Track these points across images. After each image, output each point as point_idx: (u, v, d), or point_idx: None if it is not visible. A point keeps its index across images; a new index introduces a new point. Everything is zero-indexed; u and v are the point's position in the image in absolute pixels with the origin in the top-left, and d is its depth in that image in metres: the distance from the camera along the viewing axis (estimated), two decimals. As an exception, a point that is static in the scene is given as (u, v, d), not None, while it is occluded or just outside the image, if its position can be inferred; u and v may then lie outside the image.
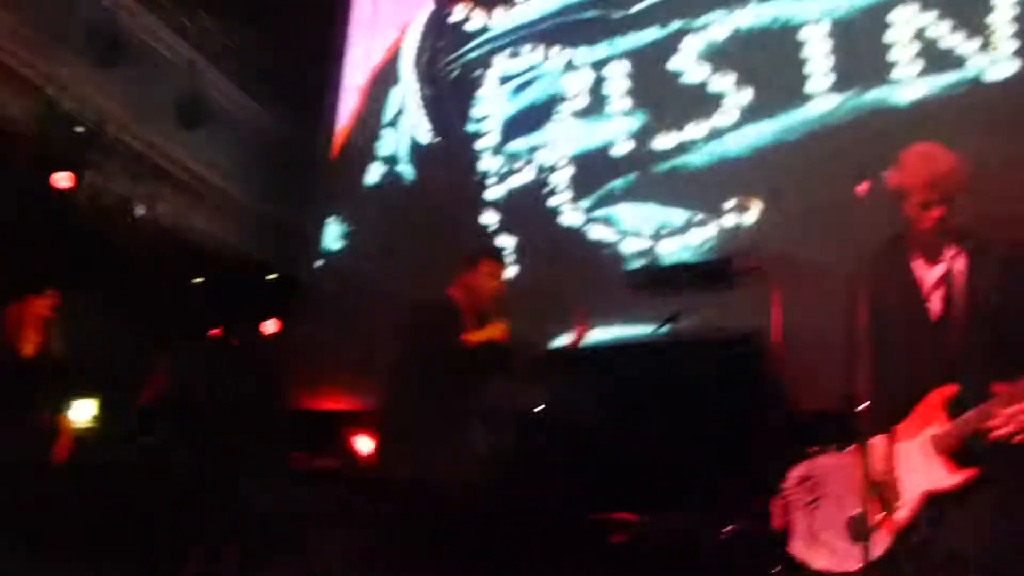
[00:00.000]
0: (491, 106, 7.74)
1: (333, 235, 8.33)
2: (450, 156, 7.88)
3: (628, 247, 6.86)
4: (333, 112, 8.64)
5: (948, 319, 2.88)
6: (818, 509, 3.43)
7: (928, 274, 2.97)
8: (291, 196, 8.71)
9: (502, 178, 7.51)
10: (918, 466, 2.80)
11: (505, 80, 7.74)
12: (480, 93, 7.85)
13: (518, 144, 7.53)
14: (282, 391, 7.73)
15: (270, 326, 8.16)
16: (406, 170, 8.13)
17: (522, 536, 4.37)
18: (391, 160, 8.20)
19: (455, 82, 8.09)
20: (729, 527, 4.55)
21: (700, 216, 6.65)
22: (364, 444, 6.56)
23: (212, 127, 8.10)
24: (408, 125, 8.19)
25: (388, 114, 8.35)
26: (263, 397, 7.51)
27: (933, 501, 2.79)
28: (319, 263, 8.32)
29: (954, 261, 2.93)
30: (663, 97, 6.98)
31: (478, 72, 7.91)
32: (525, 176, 7.41)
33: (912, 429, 2.86)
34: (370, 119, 8.43)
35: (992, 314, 2.83)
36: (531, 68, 7.64)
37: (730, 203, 6.56)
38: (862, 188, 2.94)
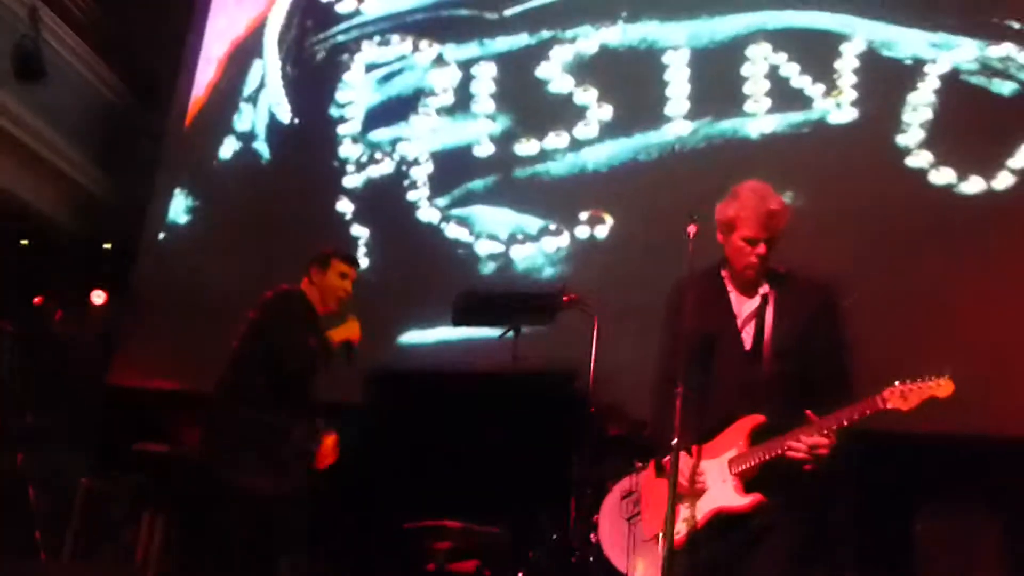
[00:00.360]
0: (356, 92, 7.51)
1: (179, 208, 7.87)
2: (309, 138, 7.60)
3: (483, 249, 6.83)
4: (189, 81, 8.15)
5: (757, 351, 2.98)
6: (639, 522, 3.49)
7: (743, 307, 3.07)
8: (137, 164, 8.17)
9: (361, 167, 7.31)
10: (714, 484, 2.91)
11: (372, 68, 7.53)
12: (346, 78, 7.61)
13: (380, 134, 7.34)
14: (104, 367, 7.24)
15: (98, 298, 7.62)
16: (262, 148, 7.77)
17: (339, 539, 4.27)
18: (247, 136, 7.81)
19: (320, 63, 7.81)
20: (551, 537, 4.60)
21: (554, 225, 6.69)
22: (189, 428, 6.23)
23: (54, 84, 7.46)
24: (267, 102, 7.83)
25: (247, 89, 7.96)
26: (82, 372, 7.04)
27: (720, 520, 2.89)
28: (161, 236, 7.84)
29: (766, 297, 3.04)
30: (528, 103, 6.98)
31: (345, 56, 7.65)
32: (385, 167, 7.24)
33: (717, 451, 2.96)
34: (228, 92, 8.02)
35: (794, 351, 2.96)
36: (399, 59, 7.47)
37: (584, 215, 6.64)
38: (692, 229, 3.02)
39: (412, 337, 6.69)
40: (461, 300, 3.30)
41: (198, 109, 8.09)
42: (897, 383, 2.80)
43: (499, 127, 7.00)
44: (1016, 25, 6.37)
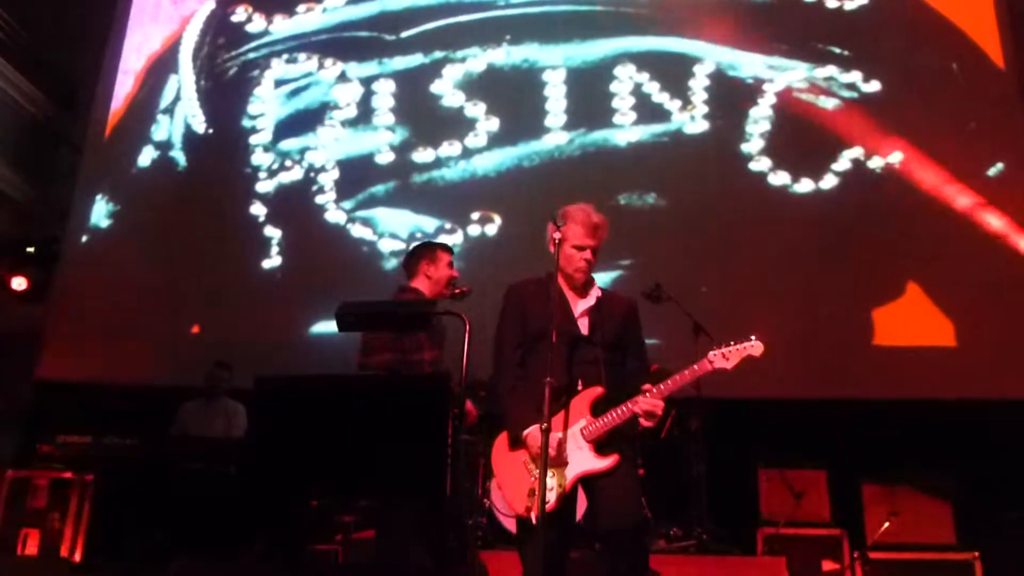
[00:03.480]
0: (266, 106, 7.38)
1: (101, 212, 7.58)
2: (223, 147, 7.43)
3: (385, 247, 6.84)
4: (107, 94, 7.84)
5: (593, 336, 3.17)
6: (499, 489, 3.56)
7: (578, 304, 3.25)
8: (59, 173, 7.82)
9: (272, 173, 7.20)
10: (573, 452, 3.03)
11: (280, 83, 7.42)
12: (257, 92, 7.46)
13: (290, 143, 7.25)
14: (30, 363, 6.94)
15: (19, 284, 7.27)
16: (179, 156, 7.55)
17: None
18: (164, 145, 7.58)
19: (233, 78, 7.64)
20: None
21: (449, 224, 6.76)
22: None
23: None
24: (183, 113, 7.62)
25: (164, 101, 7.72)
26: (8, 368, 6.73)
27: (583, 481, 3.04)
28: (84, 239, 7.54)
29: (599, 300, 3.25)
30: (424, 116, 7.01)
31: (255, 72, 7.51)
32: (295, 174, 7.15)
33: (569, 422, 3.08)
34: (145, 104, 7.75)
35: (615, 343, 3.19)
36: (306, 75, 7.38)
37: (476, 215, 6.73)
38: (552, 229, 3.15)
39: (323, 327, 6.65)
40: (341, 309, 3.30)
41: (117, 120, 7.79)
42: (719, 347, 2.99)
43: (398, 137, 7.01)
44: (837, 50, 6.77)
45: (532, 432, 3.02)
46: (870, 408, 5.74)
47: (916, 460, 5.35)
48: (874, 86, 6.65)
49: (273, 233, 7.02)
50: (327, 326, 6.60)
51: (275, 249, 6.97)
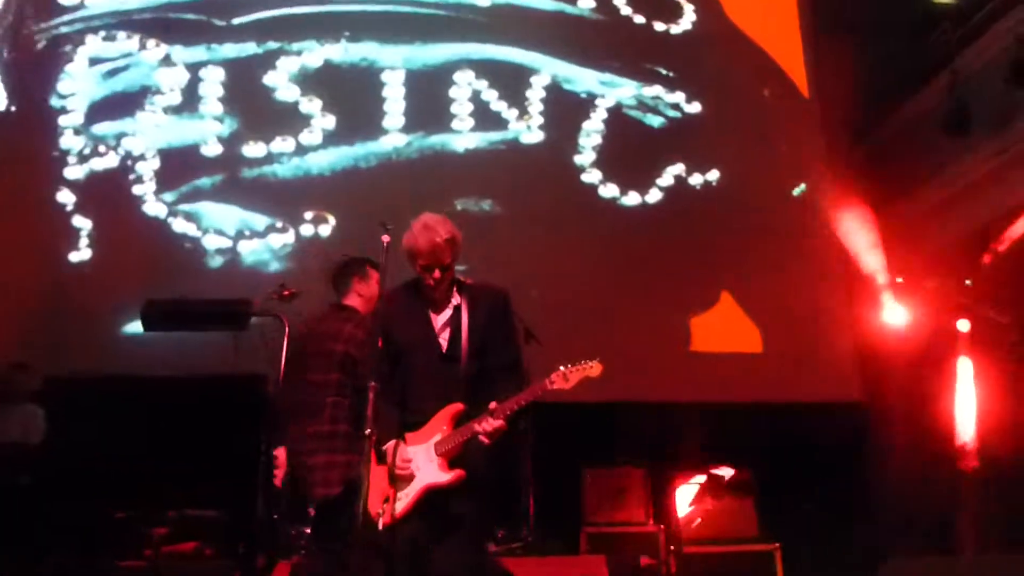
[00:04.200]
0: (78, 84, 6.77)
1: None
2: (27, 127, 6.74)
3: (210, 243, 6.47)
4: None
5: (453, 354, 3.16)
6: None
7: (438, 319, 3.24)
8: None
9: (84, 159, 6.60)
10: (423, 465, 3.06)
11: (96, 62, 6.82)
12: (68, 69, 6.82)
13: (104, 127, 6.67)
14: None
15: None
16: (-27, 135, 6.78)
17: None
18: (-45, 122, 6.78)
19: (41, 52, 6.94)
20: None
21: (281, 223, 6.50)
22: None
23: None
24: (-20, 88, 6.84)
25: (-45, 73, 6.90)
26: None
27: (429, 494, 3.05)
28: None
29: (458, 307, 3.23)
30: (255, 109, 6.69)
31: (68, 48, 6.86)
32: (109, 161, 6.59)
33: (424, 437, 3.09)
34: (-68, 75, 6.90)
35: (480, 349, 3.19)
36: (125, 55, 6.82)
37: (309, 214, 6.52)
38: (386, 238, 3.10)
39: (138, 327, 6.19)
40: (148, 306, 3.09)
41: None
42: (560, 367, 3.05)
43: (227, 129, 6.65)
44: (664, 71, 7.13)
45: (388, 447, 3.05)
46: (686, 410, 6.08)
47: (726, 459, 5.72)
48: (696, 107, 7.06)
49: (83, 223, 6.44)
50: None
51: (84, 241, 6.39)
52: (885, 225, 7.11)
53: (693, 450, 5.78)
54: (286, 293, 4.93)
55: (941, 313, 6.09)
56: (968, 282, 6.18)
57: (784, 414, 6.00)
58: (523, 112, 6.84)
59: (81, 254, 6.39)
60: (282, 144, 6.61)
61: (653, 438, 5.73)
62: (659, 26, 7.25)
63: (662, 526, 5.18)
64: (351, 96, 6.76)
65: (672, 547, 5.02)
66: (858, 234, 7.03)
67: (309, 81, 6.74)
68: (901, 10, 7.83)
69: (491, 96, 6.81)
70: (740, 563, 4.88)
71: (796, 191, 7.11)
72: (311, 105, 6.67)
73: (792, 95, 7.40)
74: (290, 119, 6.65)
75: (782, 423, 5.94)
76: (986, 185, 6.47)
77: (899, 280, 6.71)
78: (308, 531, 4.76)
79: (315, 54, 6.81)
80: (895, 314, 6.65)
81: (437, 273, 3.15)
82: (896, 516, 5.83)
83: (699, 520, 5.07)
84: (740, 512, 5.16)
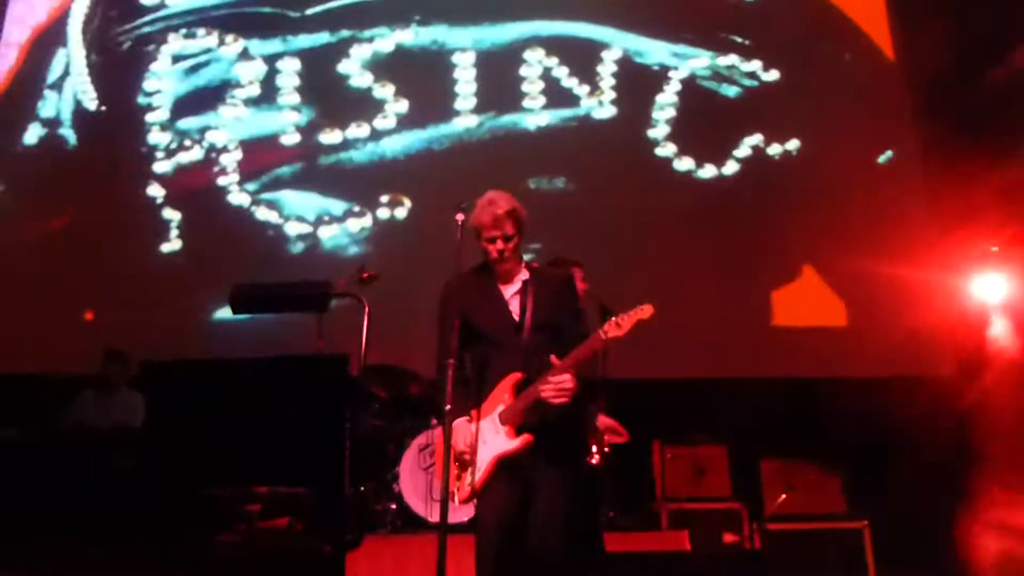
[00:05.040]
0: (162, 82, 7.07)
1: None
2: (117, 125, 7.08)
3: (292, 230, 6.68)
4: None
5: (522, 322, 3.21)
6: (433, 472, 3.58)
7: (507, 291, 3.30)
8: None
9: (171, 153, 6.90)
10: (490, 438, 3.11)
11: (178, 59, 7.11)
12: (153, 68, 7.13)
13: (189, 122, 6.96)
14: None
15: None
16: (68, 134, 7.16)
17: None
18: (52, 122, 7.16)
19: (126, 53, 7.28)
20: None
21: (358, 207, 6.65)
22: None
23: None
24: (73, 89, 7.21)
25: (52, 76, 7.29)
26: None
27: (503, 466, 3.08)
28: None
29: (526, 283, 3.28)
30: (330, 97, 6.86)
31: (151, 47, 7.17)
32: (194, 154, 6.88)
33: (491, 409, 3.16)
34: (30, 78, 7.30)
35: (546, 324, 3.22)
36: (205, 51, 7.09)
37: (385, 198, 6.65)
38: (460, 217, 3.16)
39: (227, 313, 6.45)
40: (236, 291, 3.23)
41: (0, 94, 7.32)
42: (612, 318, 3.01)
43: (304, 118, 6.84)
44: (739, 39, 6.96)
45: (456, 424, 3.09)
46: (768, 386, 5.97)
47: (810, 436, 5.61)
48: (773, 75, 6.87)
49: (172, 215, 6.75)
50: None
51: (174, 232, 6.70)
52: (979, 192, 6.78)
53: (777, 427, 5.67)
54: (365, 276, 5.07)
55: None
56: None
57: (871, 389, 5.82)
58: (595, 88, 6.80)
59: (172, 245, 6.69)
60: (357, 130, 6.76)
61: (735, 415, 5.65)
62: (733, -7, 7.08)
63: (745, 503, 5.12)
64: (423, 79, 6.85)
65: (755, 524, 4.97)
66: (949, 203, 6.73)
67: (381, 67, 6.86)
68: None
69: (562, 73, 6.79)
70: (827, 541, 4.79)
71: (882, 159, 6.85)
72: (384, 90, 6.79)
73: (875, 58, 7.11)
74: (364, 105, 6.79)
75: (869, 398, 5.77)
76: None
77: (994, 249, 6.40)
78: (393, 507, 4.94)
79: (387, 40, 6.92)
80: (991, 285, 6.35)
81: (500, 243, 3.19)
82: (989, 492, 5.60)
83: (784, 496, 5.00)
84: (827, 489, 5.05)
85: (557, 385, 3.01)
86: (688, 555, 4.41)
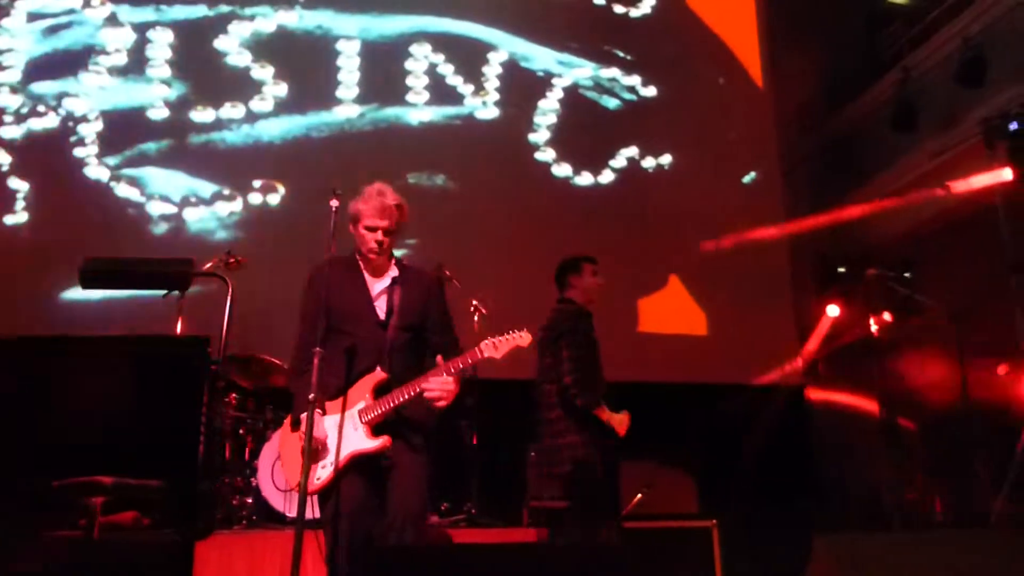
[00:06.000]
0: (16, 40, 6.54)
1: None
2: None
3: (155, 209, 6.35)
4: None
5: (387, 321, 3.18)
6: (281, 467, 3.50)
7: (375, 286, 3.26)
8: None
9: (21, 118, 6.40)
10: (348, 433, 3.06)
11: (35, 17, 6.60)
12: (4, 24, 6.59)
13: (44, 87, 6.48)
14: None
15: None
16: (-99, 90, 6.51)
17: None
18: None
19: (-26, 6, 6.70)
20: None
21: (228, 191, 6.41)
22: None
23: None
24: (-91, 40, 6.57)
25: None
26: None
27: (356, 463, 3.05)
28: None
29: (395, 279, 3.25)
30: (205, 73, 6.57)
31: (3, 1, 6.63)
32: (49, 121, 6.41)
33: (348, 404, 3.11)
34: None
35: (413, 323, 3.22)
36: (68, 12, 6.62)
37: (258, 183, 6.44)
38: (334, 202, 3.11)
39: (78, 293, 6.05)
40: (87, 264, 3.04)
41: None
42: (490, 337, 3.07)
43: (174, 93, 6.51)
44: (621, 54, 7.20)
45: (305, 416, 2.99)
46: (632, 391, 6.18)
47: (671, 439, 5.85)
48: (652, 91, 7.16)
49: (19, 186, 6.26)
50: (84, 292, 6.04)
51: (20, 204, 6.23)
52: (833, 217, 7.31)
53: (639, 430, 5.88)
54: (232, 261, 4.89)
55: (876, 303, 6.30)
56: (907, 274, 6.40)
57: (727, 395, 6.16)
58: (479, 88, 6.85)
59: (17, 217, 6.22)
60: (232, 111, 6.51)
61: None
62: (619, 8, 7.31)
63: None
64: (304, 64, 6.68)
65: (612, 522, 5.12)
66: (805, 224, 7.23)
67: (262, 47, 6.64)
68: (856, 8, 8.03)
69: (447, 70, 6.80)
70: (679, 538, 5.00)
71: (746, 179, 7.26)
72: (263, 72, 6.57)
73: (747, 85, 7.54)
74: (241, 85, 6.55)
75: (725, 404, 6.09)
76: (930, 182, 6.69)
77: (841, 270, 6.91)
78: (249, 501, 4.79)
79: (269, 20, 6.70)
80: (835, 303, 6.86)
81: (381, 235, 3.16)
82: (833, 496, 6.05)
83: (640, 496, 5.19)
84: (681, 489, 5.29)
85: (443, 386, 3.02)
86: (542, 547, 4.49)
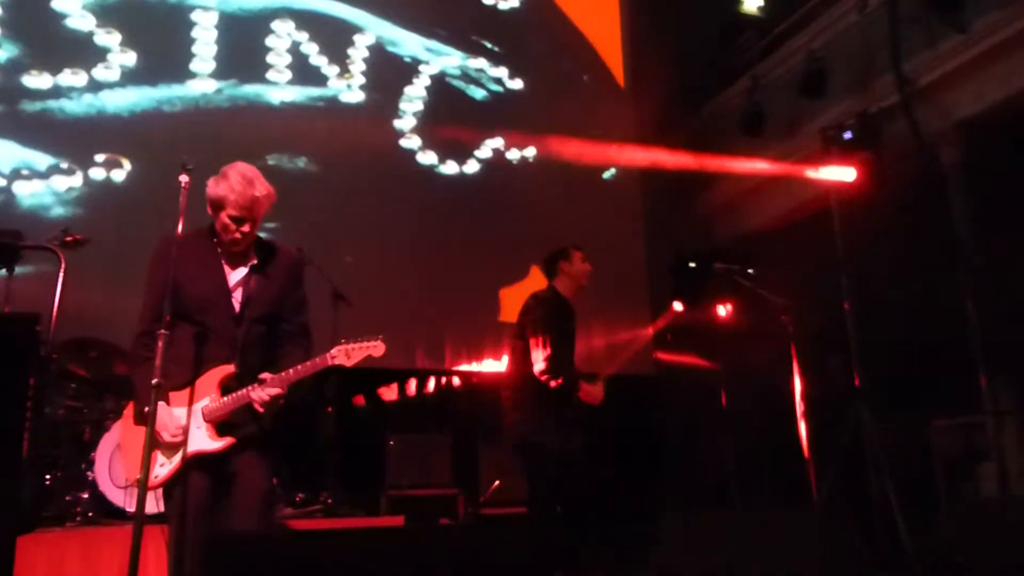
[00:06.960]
0: None
1: None
2: None
3: (-20, 181, 5.83)
4: None
5: (242, 314, 2.99)
6: (120, 459, 3.31)
7: (232, 276, 3.05)
8: None
9: None
10: (191, 431, 2.88)
11: None
12: None
13: None
14: None
15: None
16: None
17: None
18: None
19: None
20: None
21: (66, 164, 5.97)
22: None
23: None
24: None
25: None
26: None
27: (198, 460, 2.88)
28: None
29: (254, 267, 3.05)
30: (42, 35, 6.07)
31: None
32: None
33: (193, 399, 2.92)
34: None
35: (269, 313, 3.02)
36: None
37: (101, 157, 6.03)
38: (184, 178, 2.92)
39: None
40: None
41: None
42: (343, 342, 2.94)
43: (5, 55, 5.99)
44: (489, 45, 7.25)
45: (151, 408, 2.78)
46: (492, 380, 6.26)
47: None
48: (518, 84, 7.25)
49: None
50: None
51: None
52: (686, 215, 7.67)
53: (498, 418, 5.97)
54: (69, 239, 4.56)
55: (722, 296, 6.67)
56: (750, 271, 6.81)
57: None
58: (344, 70, 6.71)
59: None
60: (72, 78, 6.05)
61: (460, 405, 5.86)
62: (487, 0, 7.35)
63: (462, 490, 5.33)
64: (156, 33, 6.30)
65: (470, 509, 5.19)
66: (659, 221, 7.54)
67: (108, 12, 6.21)
68: (712, 16, 8.44)
69: (311, 49, 6.62)
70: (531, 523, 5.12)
71: (606, 175, 7.49)
72: (108, 38, 6.15)
73: (609, 83, 7.78)
74: (83, 51, 6.10)
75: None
76: (773, 186, 7.14)
77: (692, 265, 7.25)
78: (85, 496, 4.49)
79: (115, -17, 6.28)
80: (681, 299, 7.18)
81: (247, 227, 2.95)
82: (681, 478, 6.36)
83: (497, 483, 5.28)
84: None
85: (272, 399, 2.88)
86: (398, 531, 4.47)
